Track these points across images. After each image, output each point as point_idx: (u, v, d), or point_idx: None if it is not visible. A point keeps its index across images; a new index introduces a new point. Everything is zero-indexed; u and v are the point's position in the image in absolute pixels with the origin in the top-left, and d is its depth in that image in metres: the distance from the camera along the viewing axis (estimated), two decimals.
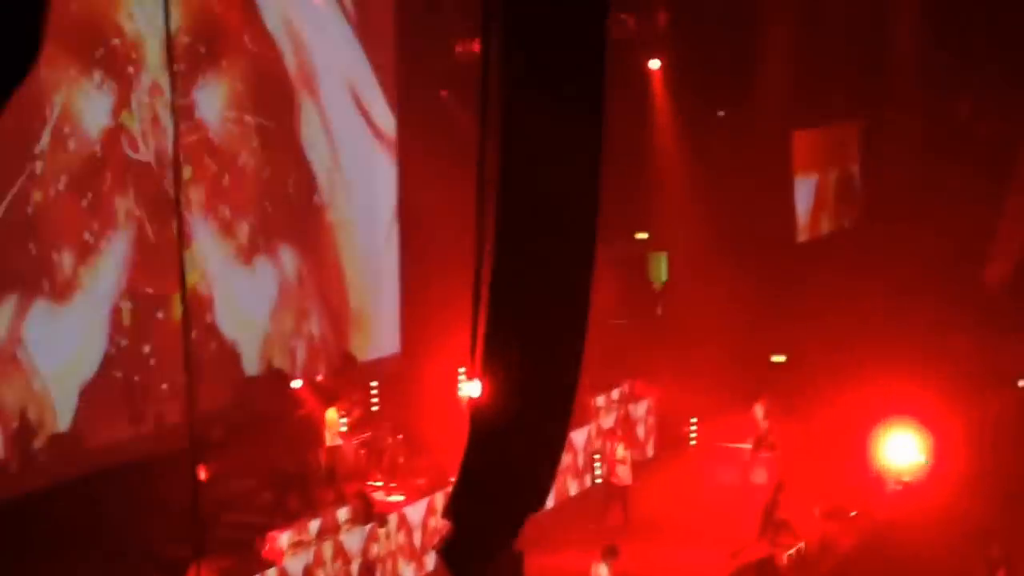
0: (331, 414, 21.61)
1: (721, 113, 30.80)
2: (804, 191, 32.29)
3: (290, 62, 22.89)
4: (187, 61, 20.68)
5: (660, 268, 30.73)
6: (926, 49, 31.23)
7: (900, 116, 32.43)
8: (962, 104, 33.56)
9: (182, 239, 16.73)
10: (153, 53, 19.80)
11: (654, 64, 29.40)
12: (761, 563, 21.02)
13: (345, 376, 23.26)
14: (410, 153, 24.83)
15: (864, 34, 30.35)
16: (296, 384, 22.48)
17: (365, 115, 24.64)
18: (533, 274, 11.42)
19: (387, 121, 25.02)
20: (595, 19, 11.50)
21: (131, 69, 19.59)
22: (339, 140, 24.00)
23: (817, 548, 21.59)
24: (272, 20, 22.52)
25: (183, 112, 20.46)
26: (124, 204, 19.67)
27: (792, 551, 21.29)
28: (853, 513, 22.79)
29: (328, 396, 22.22)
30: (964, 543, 21.94)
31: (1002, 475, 23.97)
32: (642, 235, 30.41)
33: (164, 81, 19.34)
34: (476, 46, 21.92)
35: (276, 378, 22.97)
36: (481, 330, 11.28)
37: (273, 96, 22.60)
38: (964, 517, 22.43)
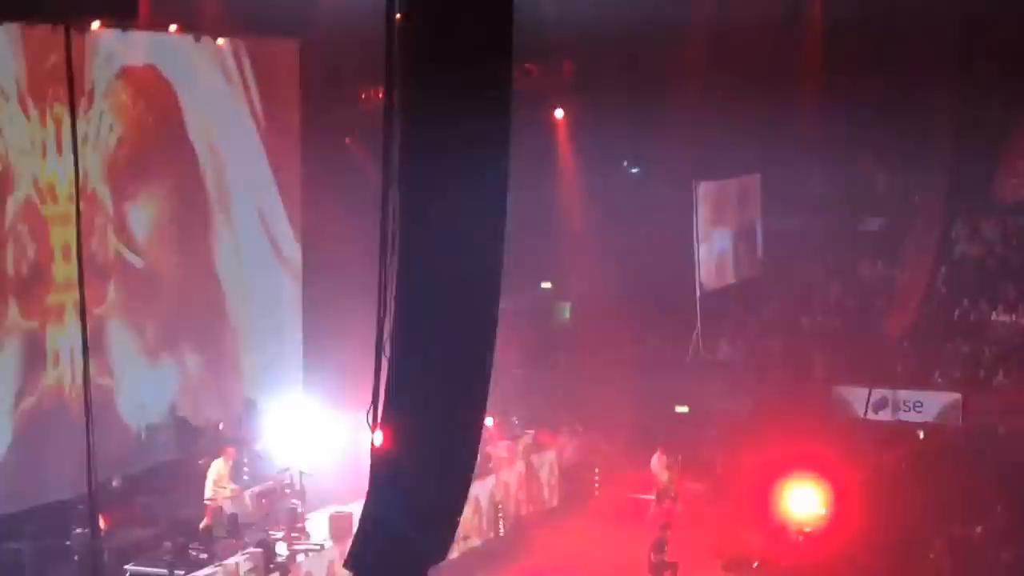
0: (217, 465, 21.36)
1: (625, 163, 31.03)
2: (707, 242, 32.51)
3: (211, 182, 24.18)
4: (125, 176, 22.13)
5: (564, 317, 30.95)
6: (826, 105, 31.65)
7: (800, 170, 32.83)
8: (861, 158, 34.05)
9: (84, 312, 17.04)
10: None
11: (558, 113, 29.60)
12: None
13: (247, 424, 23.14)
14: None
15: (766, 89, 30.70)
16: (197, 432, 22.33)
17: (272, 240, 25.79)
18: (436, 324, 11.41)
19: (292, 246, 26.09)
20: (500, 70, 11.54)
21: None
22: (247, 259, 25.18)
23: None
24: (199, 142, 23.87)
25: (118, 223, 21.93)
26: None
27: None
28: (755, 564, 22.96)
29: (230, 443, 22.06)
30: None
31: (897, 525, 24.24)
32: (546, 285, 30.53)
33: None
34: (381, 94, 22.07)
35: (177, 426, 22.82)
36: (384, 379, 11.25)
37: (194, 215, 23.98)
38: (861, 565, 22.69)
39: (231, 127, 24.57)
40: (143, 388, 22.77)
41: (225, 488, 21.15)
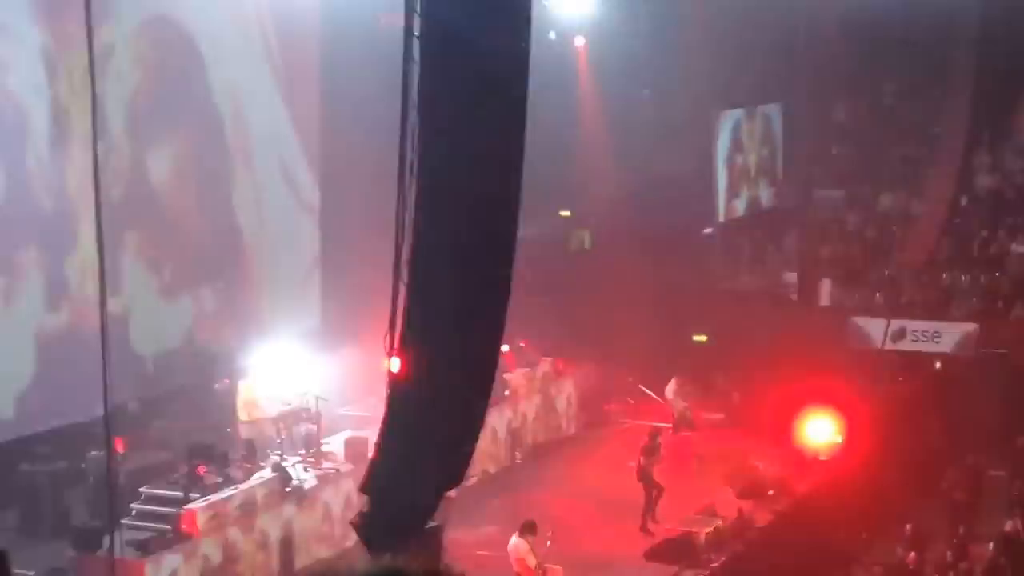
0: (247, 389, 21.47)
1: (647, 91, 30.83)
2: (727, 170, 32.41)
3: (230, 131, 24.27)
4: (144, 122, 22.19)
5: (583, 246, 30.91)
6: (848, 34, 31.42)
7: (823, 99, 32.64)
8: (884, 88, 33.85)
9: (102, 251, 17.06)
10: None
11: (579, 41, 29.41)
12: (679, 540, 21.19)
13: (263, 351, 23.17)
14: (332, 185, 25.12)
15: (787, 20, 30.46)
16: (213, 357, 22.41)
17: (291, 183, 25.80)
18: (453, 250, 11.36)
19: (311, 188, 26.08)
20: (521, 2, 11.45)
21: None
22: (266, 202, 25.21)
23: (733, 525, 21.77)
24: (219, 93, 23.89)
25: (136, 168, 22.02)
26: None
27: (710, 529, 21.45)
28: (770, 492, 23.05)
29: (249, 369, 22.11)
30: (874, 510, 22.27)
31: (911, 454, 24.33)
32: (565, 212, 30.44)
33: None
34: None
35: (195, 352, 22.87)
36: (401, 307, 11.23)
37: (213, 162, 24.03)
38: (874, 492, 22.78)
39: (252, 77, 24.48)
40: (161, 317, 22.81)
41: (253, 412, 21.25)
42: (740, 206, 32.81)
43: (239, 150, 24.43)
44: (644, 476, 22.25)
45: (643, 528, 21.90)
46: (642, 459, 22.36)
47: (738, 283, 30.78)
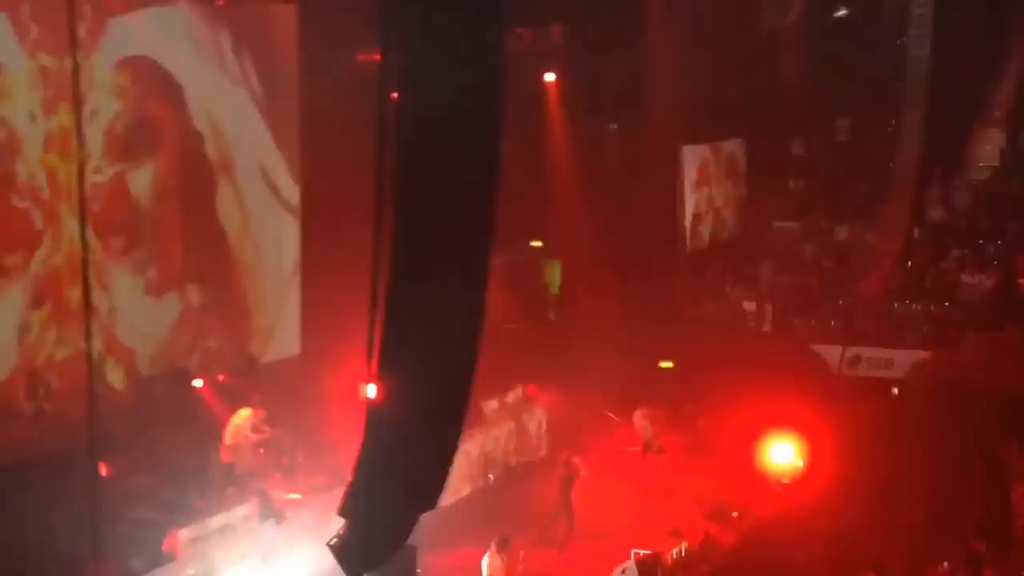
0: (241, 413, 21.91)
1: (613, 126, 31.41)
2: (692, 203, 32.98)
3: (210, 149, 24.48)
4: (123, 148, 22.46)
5: (554, 276, 31.40)
6: (809, 74, 32.08)
7: (782, 135, 33.28)
8: (840, 124, 34.52)
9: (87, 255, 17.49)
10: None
11: (549, 77, 29.93)
12: (646, 562, 21.62)
13: (247, 377, 23.62)
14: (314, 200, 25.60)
15: (750, 56, 31.10)
16: (197, 383, 22.78)
17: (273, 189, 26.05)
18: (429, 280, 11.80)
19: (292, 192, 26.36)
20: (493, 34, 11.83)
21: None
22: (250, 209, 25.47)
23: (700, 547, 22.24)
24: (197, 114, 24.14)
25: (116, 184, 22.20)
26: None
27: (677, 551, 21.91)
28: (735, 514, 23.57)
29: (230, 396, 22.53)
30: (836, 537, 22.73)
31: (872, 477, 24.77)
32: (536, 243, 30.94)
33: None
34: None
35: (177, 377, 23.23)
36: (378, 333, 11.68)
37: (196, 177, 24.26)
38: (836, 513, 23.26)
39: (231, 98, 24.94)
40: (143, 326, 23.18)
41: (238, 437, 21.64)
42: (705, 236, 33.40)
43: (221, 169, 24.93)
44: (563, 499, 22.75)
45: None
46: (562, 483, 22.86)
47: (702, 311, 31.38)
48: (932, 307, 30.58)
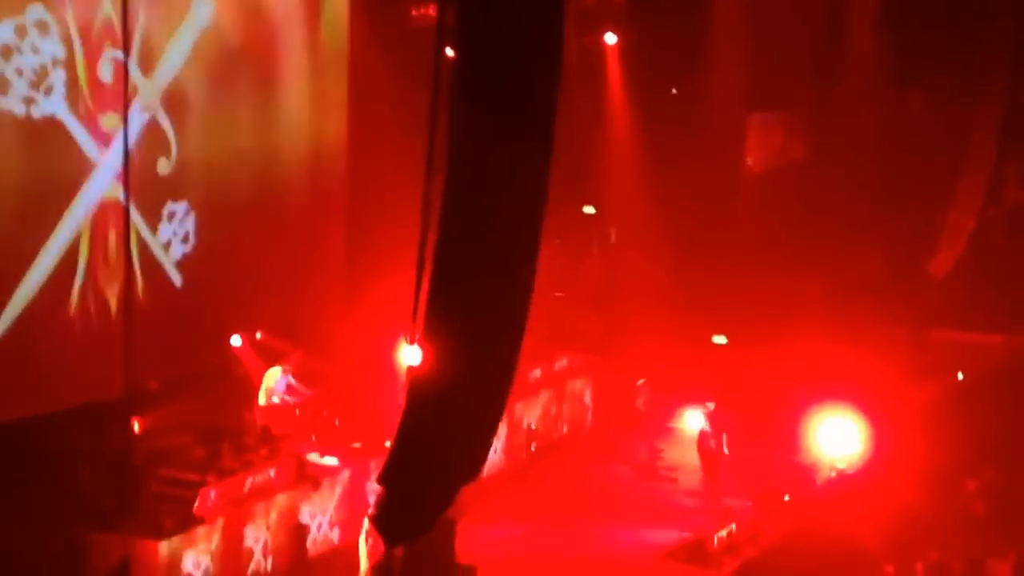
0: (272, 373, 21.54)
1: (675, 91, 30.85)
2: (754, 174, 32.43)
3: None
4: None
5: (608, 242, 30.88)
6: (880, 41, 31.38)
7: (852, 105, 32.58)
8: (914, 95, 33.75)
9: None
10: None
11: (610, 38, 29.39)
12: (693, 544, 21.23)
13: (286, 337, 23.21)
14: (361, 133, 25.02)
15: (820, 22, 30.46)
16: (235, 341, 22.38)
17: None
18: (479, 243, 11.34)
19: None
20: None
21: None
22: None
23: (748, 531, 21.76)
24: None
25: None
26: None
27: (723, 533, 21.45)
28: (786, 497, 23.01)
29: (267, 355, 22.16)
30: (895, 532, 22.18)
31: (930, 465, 24.13)
32: (589, 209, 30.43)
33: None
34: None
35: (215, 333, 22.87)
36: (424, 296, 11.21)
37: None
38: (894, 498, 22.67)
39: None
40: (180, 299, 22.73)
41: (272, 397, 21.30)
42: (765, 208, 32.78)
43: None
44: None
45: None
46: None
47: (762, 286, 30.69)
48: (1004, 291, 29.88)
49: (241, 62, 23.04)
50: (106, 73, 20.21)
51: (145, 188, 21.30)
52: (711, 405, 23.62)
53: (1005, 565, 21.14)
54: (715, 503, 22.55)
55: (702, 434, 23.25)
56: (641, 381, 25.07)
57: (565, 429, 26.34)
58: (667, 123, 29.80)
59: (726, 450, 23.22)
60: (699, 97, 30.23)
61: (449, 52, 10.69)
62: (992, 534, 22.75)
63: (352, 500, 20.69)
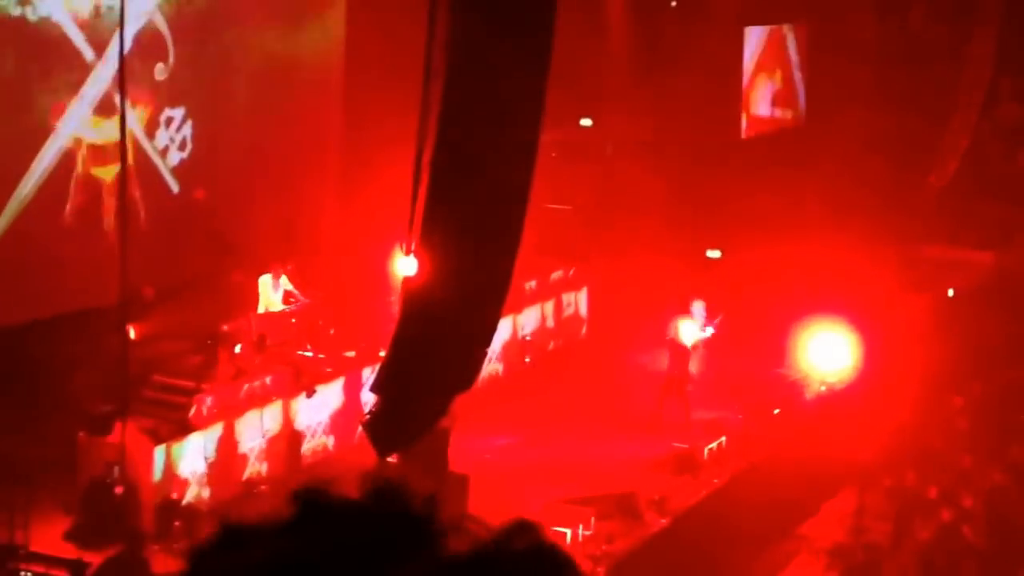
0: (265, 279, 21.51)
1: (674, 3, 30.65)
2: (750, 88, 32.26)
3: None
4: None
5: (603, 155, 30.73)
6: None
7: (850, 19, 32.39)
8: (914, 10, 33.55)
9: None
10: None
11: None
12: (683, 456, 21.32)
13: (282, 244, 23.19)
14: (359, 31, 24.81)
15: None
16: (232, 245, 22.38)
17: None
18: (475, 155, 11.34)
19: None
20: None
21: None
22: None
23: (737, 444, 21.85)
24: None
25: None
26: None
27: (713, 445, 21.55)
28: (776, 411, 23.05)
29: (263, 262, 22.12)
30: (883, 434, 22.18)
31: (917, 380, 24.09)
32: (586, 122, 30.29)
33: None
34: None
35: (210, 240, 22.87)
36: (420, 207, 11.22)
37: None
38: (883, 410, 22.71)
39: None
40: (177, 205, 22.70)
41: (267, 305, 21.29)
42: (763, 124, 32.67)
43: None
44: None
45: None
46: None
47: (756, 201, 30.64)
48: (1000, 206, 29.83)
49: None
50: None
51: (142, 93, 21.25)
52: (700, 303, 23.63)
53: (988, 482, 21.19)
54: (678, 415, 22.51)
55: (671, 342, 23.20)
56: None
57: (560, 341, 26.36)
58: (665, 36, 29.63)
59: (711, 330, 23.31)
60: (698, 9, 30.03)
61: None
62: (975, 446, 22.78)
63: (347, 408, 20.77)
